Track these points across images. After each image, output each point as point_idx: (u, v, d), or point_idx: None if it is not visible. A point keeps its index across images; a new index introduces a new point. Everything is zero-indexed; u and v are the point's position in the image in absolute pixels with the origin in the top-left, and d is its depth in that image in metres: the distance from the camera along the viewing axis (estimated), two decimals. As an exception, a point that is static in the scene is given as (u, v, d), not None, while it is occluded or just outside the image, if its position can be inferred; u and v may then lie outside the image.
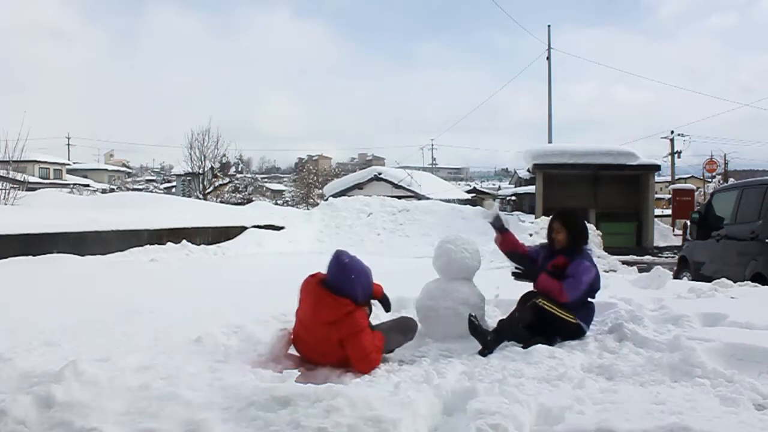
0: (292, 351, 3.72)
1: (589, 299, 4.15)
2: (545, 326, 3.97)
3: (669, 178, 35.24)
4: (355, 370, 3.40)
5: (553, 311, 3.94)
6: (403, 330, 3.91)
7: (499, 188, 46.76)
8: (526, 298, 4.15)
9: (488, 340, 3.78)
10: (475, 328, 3.82)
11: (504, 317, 4.08)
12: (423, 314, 4.30)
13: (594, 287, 4.13)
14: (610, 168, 18.50)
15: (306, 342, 3.57)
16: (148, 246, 10.13)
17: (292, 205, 32.67)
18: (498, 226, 4.35)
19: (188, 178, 33.49)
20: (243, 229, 12.73)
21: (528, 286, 4.24)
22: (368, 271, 3.60)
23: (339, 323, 3.37)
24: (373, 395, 2.52)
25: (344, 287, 3.44)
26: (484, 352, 3.72)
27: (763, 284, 5.88)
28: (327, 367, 3.49)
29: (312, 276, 3.58)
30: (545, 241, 4.36)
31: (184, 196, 28.56)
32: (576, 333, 4.00)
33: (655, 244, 18.47)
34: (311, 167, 49.14)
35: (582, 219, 4.36)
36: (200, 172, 30.77)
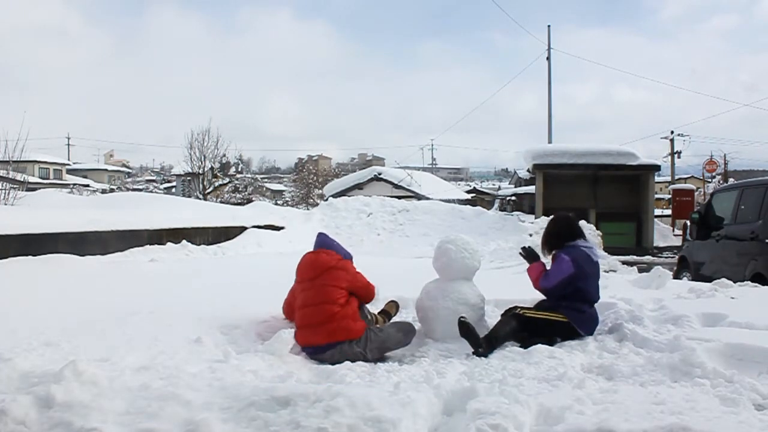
0: (292, 351, 3.72)
1: (583, 304, 4.05)
2: (542, 332, 3.98)
3: (669, 178, 35.22)
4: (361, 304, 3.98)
5: (538, 316, 4.01)
6: (402, 329, 4.00)
7: (499, 188, 46.74)
8: (508, 311, 4.17)
9: (479, 341, 3.79)
10: (467, 329, 3.83)
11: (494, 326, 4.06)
12: (422, 314, 4.30)
13: (580, 284, 4.04)
14: (610, 168, 18.46)
15: (308, 305, 3.79)
16: (147, 246, 10.10)
17: (292, 205, 32.65)
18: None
19: (188, 178, 33.51)
20: (243, 229, 12.72)
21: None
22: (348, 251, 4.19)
23: (336, 269, 3.86)
24: (373, 395, 2.52)
25: (328, 244, 4.08)
26: (478, 352, 3.72)
27: (763, 284, 5.88)
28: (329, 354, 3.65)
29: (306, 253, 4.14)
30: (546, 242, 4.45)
31: (184, 196, 28.53)
32: (571, 333, 3.99)
33: (655, 244, 18.45)
34: (311, 167, 49.11)
35: (562, 220, 4.43)
36: (200, 172, 30.79)
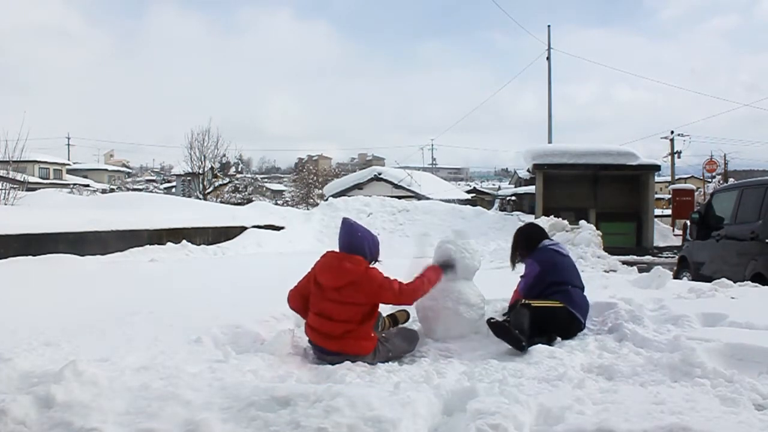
0: (293, 351, 3.72)
1: (567, 287, 4.15)
2: (544, 324, 4.00)
3: (669, 178, 35.24)
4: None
5: (538, 305, 4.04)
6: (407, 338, 3.98)
7: (499, 188, 46.71)
8: (514, 306, 4.20)
9: (518, 336, 3.70)
10: (501, 328, 3.73)
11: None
12: (423, 314, 4.30)
13: (552, 277, 4.18)
14: (610, 168, 18.47)
15: (324, 316, 3.64)
16: (148, 246, 10.13)
17: (292, 205, 32.65)
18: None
19: (188, 178, 33.55)
20: (243, 229, 12.73)
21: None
22: (375, 236, 3.90)
23: (360, 283, 3.60)
24: (373, 395, 2.53)
25: (354, 246, 3.74)
26: (522, 346, 3.65)
27: (763, 284, 5.87)
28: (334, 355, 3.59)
29: (328, 251, 3.87)
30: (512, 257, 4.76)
31: (184, 196, 28.56)
32: (570, 319, 4.04)
33: (655, 244, 18.45)
34: (311, 167, 49.12)
35: (521, 230, 4.74)
36: (200, 172, 30.82)
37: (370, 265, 3.77)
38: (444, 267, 4.08)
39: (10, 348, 3.32)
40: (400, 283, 3.72)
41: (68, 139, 56.68)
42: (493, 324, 3.81)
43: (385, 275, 3.72)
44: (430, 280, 3.86)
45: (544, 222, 11.89)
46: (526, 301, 4.07)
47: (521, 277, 4.43)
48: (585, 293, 4.29)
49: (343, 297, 3.61)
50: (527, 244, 4.52)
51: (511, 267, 4.66)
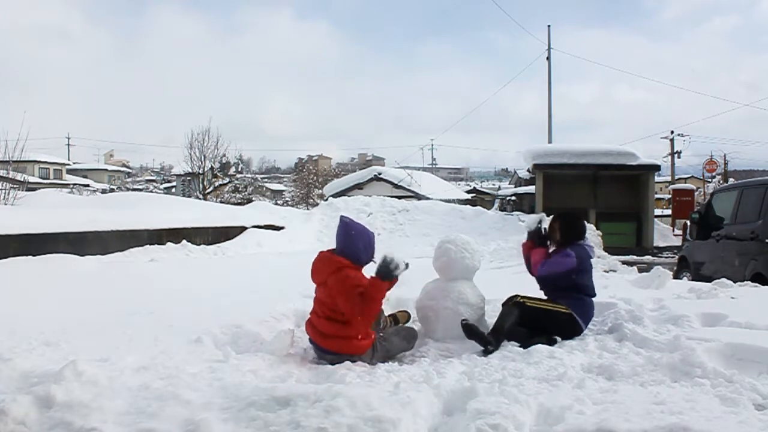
0: (293, 351, 3.73)
1: (582, 295, 4.14)
2: (542, 324, 4.00)
3: (669, 178, 35.24)
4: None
5: (537, 306, 4.05)
6: (405, 337, 3.98)
7: (499, 188, 46.66)
8: (508, 302, 4.18)
9: (487, 338, 3.81)
10: (471, 330, 3.85)
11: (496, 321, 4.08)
12: (423, 314, 4.30)
13: (578, 279, 4.13)
14: (610, 168, 18.44)
15: (317, 313, 3.71)
16: (147, 246, 10.11)
17: (292, 205, 32.65)
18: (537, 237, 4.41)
19: (188, 178, 33.51)
20: (243, 229, 12.72)
21: (509, 292, 4.34)
22: (370, 233, 3.84)
23: (329, 283, 3.59)
24: (373, 395, 2.53)
25: (346, 246, 3.71)
26: (488, 349, 3.74)
27: (763, 284, 5.87)
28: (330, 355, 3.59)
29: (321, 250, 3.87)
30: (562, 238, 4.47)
31: (184, 196, 28.53)
32: (571, 325, 4.03)
33: (655, 244, 18.44)
34: (311, 167, 49.14)
35: (574, 218, 4.47)
36: (200, 172, 30.78)
37: (366, 265, 3.77)
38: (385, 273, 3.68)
39: (10, 348, 3.32)
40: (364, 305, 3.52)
41: (68, 139, 56.73)
42: (464, 326, 3.86)
43: (361, 290, 3.50)
44: (374, 298, 3.59)
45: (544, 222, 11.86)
46: (521, 299, 4.07)
47: (546, 256, 4.25)
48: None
49: (321, 295, 3.69)
50: (574, 234, 4.29)
51: (554, 245, 4.35)
